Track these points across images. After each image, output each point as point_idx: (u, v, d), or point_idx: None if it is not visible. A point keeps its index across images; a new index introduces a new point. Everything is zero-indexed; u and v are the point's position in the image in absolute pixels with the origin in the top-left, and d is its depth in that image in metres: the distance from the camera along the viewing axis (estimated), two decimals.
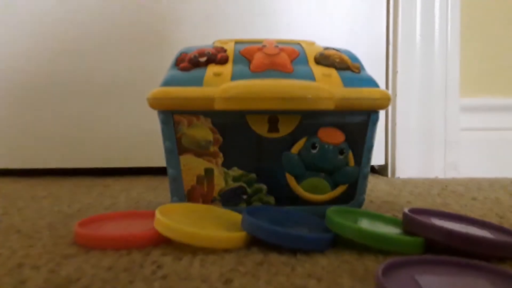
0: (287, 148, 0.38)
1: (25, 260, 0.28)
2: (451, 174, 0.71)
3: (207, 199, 0.38)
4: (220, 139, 0.37)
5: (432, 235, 0.29)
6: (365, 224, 0.34)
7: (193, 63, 0.38)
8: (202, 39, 0.66)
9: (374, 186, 0.60)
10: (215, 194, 0.38)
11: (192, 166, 0.38)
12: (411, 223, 0.31)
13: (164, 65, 0.46)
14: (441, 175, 0.71)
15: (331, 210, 0.33)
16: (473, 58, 0.75)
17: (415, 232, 0.30)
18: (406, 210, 0.32)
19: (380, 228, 0.33)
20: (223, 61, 0.39)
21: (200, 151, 0.37)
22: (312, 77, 0.37)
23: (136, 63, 0.68)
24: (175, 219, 0.31)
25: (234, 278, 0.25)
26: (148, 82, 0.58)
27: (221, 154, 0.37)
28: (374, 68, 0.69)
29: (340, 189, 0.39)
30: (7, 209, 0.44)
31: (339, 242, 0.31)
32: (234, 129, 0.37)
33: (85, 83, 0.68)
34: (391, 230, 0.33)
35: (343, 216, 0.33)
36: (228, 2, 0.68)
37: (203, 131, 0.37)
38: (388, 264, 0.24)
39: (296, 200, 0.38)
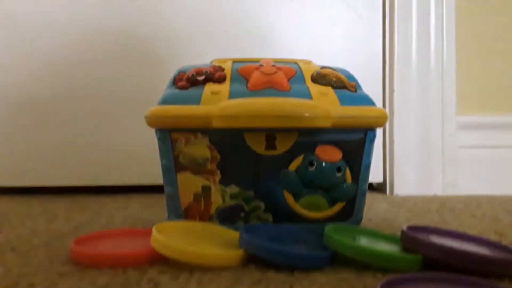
0: (284, 166, 0.38)
1: (20, 278, 0.28)
2: (449, 192, 0.71)
3: (204, 217, 0.38)
4: (218, 156, 0.37)
5: (431, 253, 0.29)
6: (363, 241, 0.34)
7: (191, 81, 0.39)
8: (199, 57, 0.66)
9: (372, 203, 0.60)
10: (213, 211, 0.38)
11: (189, 184, 0.37)
12: (410, 240, 0.31)
13: (161, 84, 0.46)
14: (439, 193, 0.71)
15: (329, 228, 0.33)
16: (469, 76, 0.76)
17: (413, 249, 0.30)
18: (404, 227, 0.32)
19: (378, 246, 0.33)
20: (221, 80, 0.39)
21: (197, 168, 0.37)
22: (309, 96, 0.38)
23: (133, 81, 0.68)
24: (172, 237, 0.31)
25: None
26: (146, 100, 0.58)
27: (218, 172, 0.37)
28: (371, 86, 0.69)
29: (338, 207, 0.39)
30: (3, 227, 0.44)
31: (338, 260, 0.31)
32: (232, 147, 0.37)
33: (80, 101, 0.68)
34: (390, 248, 0.33)
35: (341, 234, 0.33)
36: (224, 21, 0.69)
37: (200, 149, 0.37)
38: (386, 282, 0.24)
39: (294, 217, 0.38)
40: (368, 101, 0.39)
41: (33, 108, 0.68)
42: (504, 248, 0.32)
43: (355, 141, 0.38)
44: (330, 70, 0.41)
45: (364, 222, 0.46)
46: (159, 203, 0.59)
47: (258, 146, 0.37)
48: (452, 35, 0.71)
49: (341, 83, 0.40)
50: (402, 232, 0.32)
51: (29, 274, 0.29)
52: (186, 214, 0.38)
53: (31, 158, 0.67)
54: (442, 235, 0.35)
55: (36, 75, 0.68)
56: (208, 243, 0.33)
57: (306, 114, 0.35)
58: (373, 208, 0.56)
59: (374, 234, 0.36)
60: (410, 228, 0.33)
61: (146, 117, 0.37)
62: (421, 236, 0.31)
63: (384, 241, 0.35)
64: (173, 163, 0.37)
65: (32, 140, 0.68)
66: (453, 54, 0.71)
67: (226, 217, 0.38)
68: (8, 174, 0.67)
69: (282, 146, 0.37)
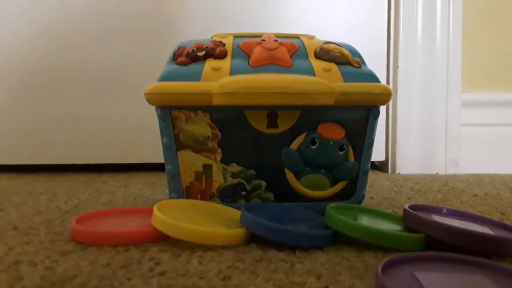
0: (286, 144, 0.37)
1: (22, 257, 0.28)
2: (452, 170, 0.71)
3: (206, 196, 0.38)
4: (219, 134, 0.37)
5: (432, 232, 0.29)
6: (365, 220, 0.34)
7: (191, 57, 0.38)
8: (201, 32, 0.65)
9: (374, 182, 0.60)
10: (214, 190, 0.38)
11: (191, 162, 0.37)
12: (411, 219, 0.31)
13: (162, 59, 0.45)
14: (442, 171, 0.70)
15: (330, 207, 0.32)
16: (475, 53, 0.74)
17: (415, 228, 0.30)
18: (406, 206, 0.32)
19: (380, 225, 0.33)
20: (222, 56, 0.38)
21: (198, 147, 0.37)
22: (312, 72, 0.37)
23: (134, 58, 0.67)
24: (173, 215, 0.31)
25: (232, 275, 0.25)
26: (146, 77, 0.58)
27: (219, 150, 0.37)
28: (375, 63, 0.68)
29: (340, 186, 0.38)
30: (4, 205, 0.44)
31: (339, 239, 0.31)
32: (233, 125, 0.37)
33: (81, 79, 0.67)
34: (392, 227, 0.33)
35: (343, 213, 0.32)
36: None
37: (201, 127, 0.37)
38: (388, 261, 0.24)
39: (296, 196, 0.38)
40: (372, 77, 0.38)
41: (34, 86, 0.67)
42: (506, 227, 0.32)
43: (358, 119, 0.38)
44: (334, 46, 0.40)
45: (366, 201, 0.46)
46: (160, 181, 0.59)
47: (259, 124, 0.37)
48: (459, 10, 0.70)
49: (345, 59, 0.39)
50: (404, 211, 0.32)
51: (31, 252, 0.29)
52: (187, 192, 0.38)
53: (32, 136, 0.67)
54: (444, 214, 0.34)
55: (36, 52, 0.67)
56: (209, 222, 0.33)
57: (309, 91, 0.34)
58: (375, 187, 0.56)
59: (376, 213, 0.36)
60: (412, 207, 0.33)
61: (145, 94, 0.36)
62: (423, 215, 0.31)
63: (386, 220, 0.35)
64: (174, 141, 0.37)
65: (32, 118, 0.67)
66: (460, 30, 0.70)
67: (228, 195, 0.38)
68: (8, 152, 0.67)
69: (284, 124, 0.37)
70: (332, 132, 0.37)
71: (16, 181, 0.60)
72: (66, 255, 0.28)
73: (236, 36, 0.42)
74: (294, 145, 0.37)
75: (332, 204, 0.33)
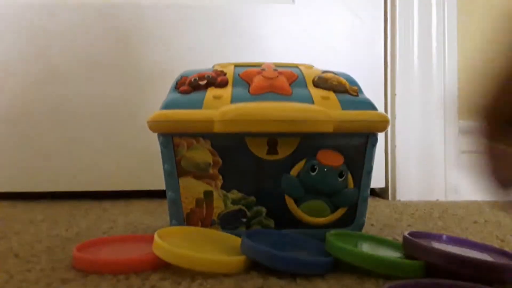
0: (286, 171, 0.38)
1: (23, 284, 0.28)
2: (452, 197, 0.71)
3: (206, 223, 0.38)
4: (220, 161, 0.37)
5: (432, 259, 0.29)
6: (365, 247, 0.34)
7: (193, 86, 0.39)
8: (198, 63, 0.66)
9: (374, 209, 0.60)
10: (215, 217, 0.38)
11: (192, 189, 0.37)
12: (411, 246, 0.31)
13: (162, 90, 0.46)
14: (442, 198, 0.70)
15: (331, 234, 0.33)
16: (471, 80, 0.76)
17: (415, 255, 0.30)
18: (406, 233, 0.32)
19: (380, 252, 0.33)
20: (223, 84, 0.39)
21: (199, 173, 0.37)
22: (310, 100, 0.38)
23: (134, 86, 0.68)
24: (174, 243, 0.31)
25: None
26: (148, 105, 0.59)
27: (220, 177, 0.37)
28: (372, 91, 0.69)
29: (340, 212, 0.38)
30: (5, 233, 0.44)
31: (340, 266, 0.31)
32: (234, 152, 0.37)
33: (82, 107, 0.68)
34: (392, 254, 0.33)
35: (343, 240, 0.32)
36: (225, 27, 0.69)
37: (202, 154, 0.37)
38: None
39: (296, 223, 0.38)
40: (369, 105, 0.39)
41: (34, 114, 0.68)
42: (506, 254, 0.32)
43: (357, 145, 0.38)
44: (332, 75, 0.41)
45: (367, 227, 0.46)
46: (161, 208, 0.59)
47: (260, 151, 0.37)
48: (454, 37, 0.71)
49: (342, 88, 0.40)
50: (404, 238, 0.32)
51: (32, 280, 0.29)
52: (188, 219, 0.38)
53: (33, 164, 0.68)
54: (444, 241, 0.34)
55: (36, 79, 0.68)
56: (210, 249, 0.33)
57: (308, 119, 0.35)
58: (375, 214, 0.56)
59: (376, 240, 0.36)
60: (412, 234, 0.33)
61: (148, 122, 0.37)
62: (423, 242, 0.31)
63: (386, 247, 0.35)
64: (175, 168, 0.37)
65: (33, 145, 0.68)
66: (455, 58, 0.71)
67: (228, 222, 0.38)
68: (9, 180, 0.68)
69: (284, 151, 0.37)
70: (331, 159, 0.38)
71: (17, 208, 0.60)
72: (67, 283, 0.28)
73: (236, 66, 0.43)
74: (294, 172, 0.38)
75: (332, 231, 0.34)
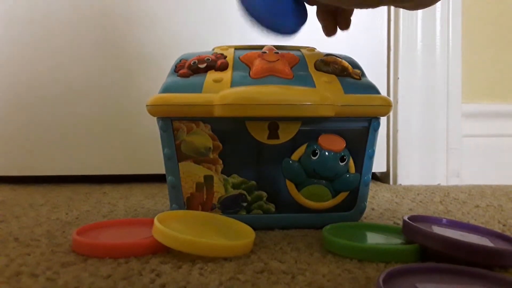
0: (287, 155, 0.37)
1: (23, 268, 0.28)
2: (453, 181, 0.71)
3: (207, 207, 0.38)
4: (220, 146, 0.37)
5: (430, 243, 0.29)
6: (363, 237, 0.34)
7: (192, 69, 0.38)
8: (201, 45, 0.66)
9: (375, 193, 0.60)
10: (215, 201, 0.38)
11: (192, 173, 0.37)
12: (410, 231, 0.31)
13: (163, 71, 0.46)
14: (443, 182, 0.70)
15: (327, 229, 0.33)
16: (475, 64, 0.75)
17: (414, 240, 0.30)
18: (405, 217, 0.32)
19: (379, 239, 0.33)
20: (223, 68, 0.39)
21: (199, 158, 0.37)
22: (312, 84, 0.37)
23: (136, 69, 0.68)
24: (174, 227, 0.31)
25: (233, 287, 0.25)
26: (149, 88, 0.58)
27: (220, 161, 0.37)
28: (375, 74, 0.68)
29: (341, 197, 0.38)
30: (5, 216, 0.44)
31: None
32: (234, 136, 0.37)
33: (84, 89, 0.68)
34: (391, 240, 0.33)
35: (340, 232, 0.33)
36: (227, 8, 0.68)
37: (202, 138, 0.37)
38: (389, 273, 0.24)
39: (297, 207, 0.38)
40: (372, 89, 0.38)
41: (35, 97, 0.67)
42: (507, 239, 0.32)
43: (359, 130, 0.38)
44: (334, 58, 0.40)
45: (367, 212, 0.46)
46: (161, 192, 0.59)
47: (260, 135, 0.37)
48: (458, 21, 0.70)
49: (345, 71, 0.39)
50: (404, 222, 0.32)
51: (32, 264, 0.29)
52: (188, 204, 0.38)
53: (33, 148, 0.67)
54: (444, 225, 0.34)
55: (37, 64, 0.67)
56: (210, 233, 0.33)
57: (309, 103, 0.34)
58: (376, 198, 0.56)
59: (375, 228, 0.36)
60: (412, 218, 0.33)
61: (147, 106, 0.37)
62: (423, 226, 0.31)
63: (386, 233, 0.35)
64: (175, 152, 0.37)
65: (33, 129, 0.67)
66: (459, 41, 0.70)
67: (229, 206, 0.38)
68: (9, 164, 0.67)
69: (285, 135, 0.37)
70: (333, 144, 0.37)
71: (17, 192, 0.60)
72: (67, 266, 0.28)
73: (237, 49, 0.42)
74: (295, 156, 0.37)
75: (328, 226, 0.34)
